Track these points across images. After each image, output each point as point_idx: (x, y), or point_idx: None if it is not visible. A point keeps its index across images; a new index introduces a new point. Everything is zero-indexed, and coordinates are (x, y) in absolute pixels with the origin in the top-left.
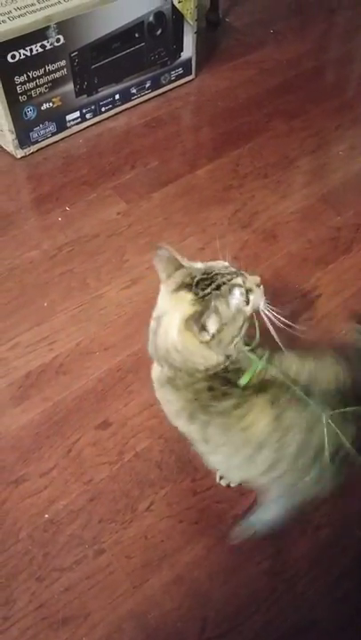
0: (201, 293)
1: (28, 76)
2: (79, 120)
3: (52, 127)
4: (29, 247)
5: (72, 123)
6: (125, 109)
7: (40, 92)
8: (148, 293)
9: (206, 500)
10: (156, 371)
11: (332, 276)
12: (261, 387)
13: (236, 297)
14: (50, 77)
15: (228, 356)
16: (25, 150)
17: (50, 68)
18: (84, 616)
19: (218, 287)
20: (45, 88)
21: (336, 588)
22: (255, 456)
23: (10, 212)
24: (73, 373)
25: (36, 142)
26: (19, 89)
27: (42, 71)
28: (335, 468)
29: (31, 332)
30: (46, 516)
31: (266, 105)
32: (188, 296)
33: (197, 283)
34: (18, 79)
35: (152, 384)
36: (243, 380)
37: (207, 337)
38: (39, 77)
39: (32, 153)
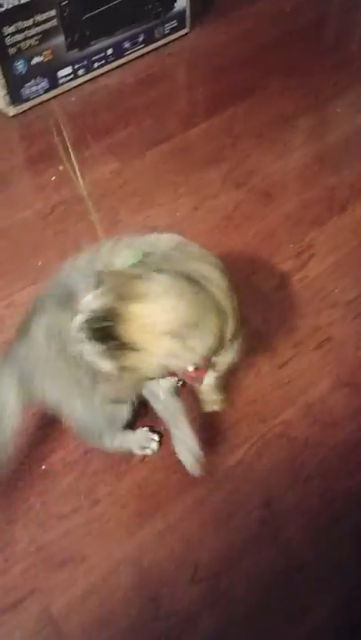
0: None
1: (16, 27)
2: (71, 76)
3: (43, 83)
4: (23, 207)
5: (64, 79)
6: (119, 66)
7: (30, 45)
8: None
9: None
10: None
11: (327, 235)
12: None
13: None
14: (39, 29)
15: None
16: (17, 108)
17: (39, 18)
18: (81, 559)
19: None
20: (35, 40)
21: (325, 536)
22: None
23: (2, 172)
24: None
25: (28, 100)
26: (7, 41)
27: (31, 21)
28: None
29: (26, 291)
30: (43, 467)
31: (262, 61)
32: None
33: None
34: (7, 29)
35: None
36: None
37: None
38: (28, 28)
39: (24, 111)
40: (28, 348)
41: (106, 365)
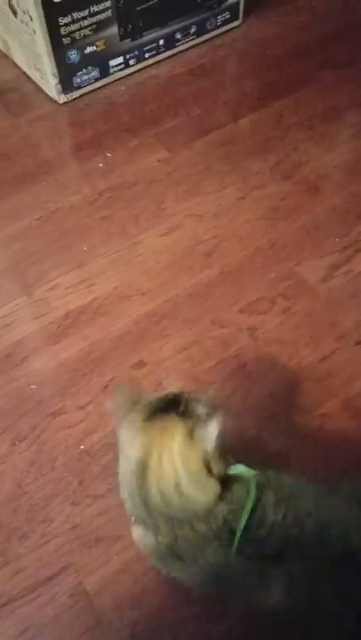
0: (180, 410)
1: (72, 17)
2: (122, 66)
3: (95, 72)
4: (70, 192)
5: (115, 68)
6: (169, 57)
7: (84, 35)
8: (186, 241)
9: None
10: (144, 538)
11: None
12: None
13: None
14: (94, 19)
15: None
16: (67, 96)
17: (95, 8)
18: (116, 537)
19: (187, 404)
20: (90, 30)
21: None
22: None
23: (52, 157)
24: (110, 315)
25: (79, 88)
26: (62, 30)
27: (86, 12)
28: None
29: (71, 275)
30: (82, 447)
31: (316, 53)
32: (171, 417)
33: (165, 406)
34: (62, 20)
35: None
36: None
37: (212, 444)
38: (83, 19)
39: (74, 99)
40: None
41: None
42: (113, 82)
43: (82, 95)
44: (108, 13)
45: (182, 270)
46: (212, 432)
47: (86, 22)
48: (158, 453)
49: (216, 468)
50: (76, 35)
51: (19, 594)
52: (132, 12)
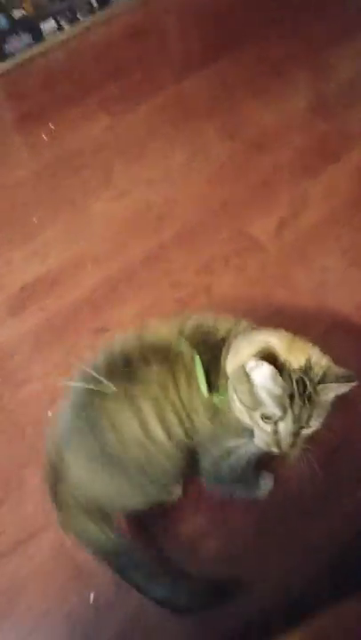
0: None
1: None
2: (56, 29)
3: (27, 38)
4: (16, 166)
5: (48, 32)
6: (106, 19)
7: None
8: (136, 206)
9: None
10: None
11: (321, 185)
12: None
13: None
14: None
15: None
16: (2, 66)
17: None
18: None
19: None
20: None
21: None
22: None
23: None
24: (67, 285)
25: (12, 55)
26: None
27: None
28: None
29: (23, 248)
30: (49, 413)
31: (254, 10)
32: None
33: None
34: None
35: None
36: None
37: None
38: None
39: (10, 70)
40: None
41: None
42: (50, 49)
43: (17, 65)
44: None
45: (135, 235)
46: None
47: None
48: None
49: None
50: None
51: (2, 553)
52: None
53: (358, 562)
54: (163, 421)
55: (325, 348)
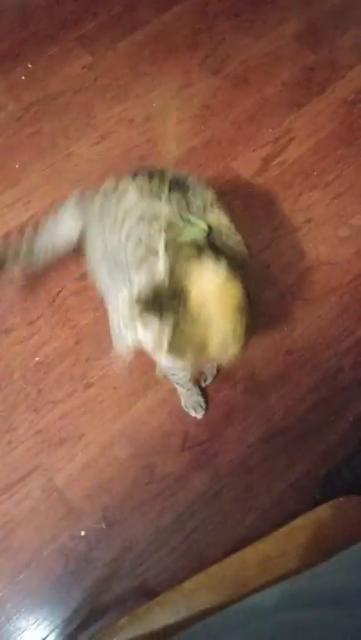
0: None
1: None
2: None
3: None
4: None
5: None
6: None
7: None
8: (119, 148)
9: None
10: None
11: (306, 118)
12: None
13: None
14: None
15: None
16: None
17: None
18: (79, 436)
19: None
20: None
21: (305, 401)
22: None
23: None
24: None
25: None
26: None
27: None
28: None
29: (6, 194)
30: (37, 358)
31: None
32: None
33: None
34: None
35: None
36: None
37: None
38: None
39: None
40: (101, 209)
41: (148, 338)
42: None
43: None
44: None
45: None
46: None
47: None
48: None
49: None
50: None
51: None
52: None
53: None
54: None
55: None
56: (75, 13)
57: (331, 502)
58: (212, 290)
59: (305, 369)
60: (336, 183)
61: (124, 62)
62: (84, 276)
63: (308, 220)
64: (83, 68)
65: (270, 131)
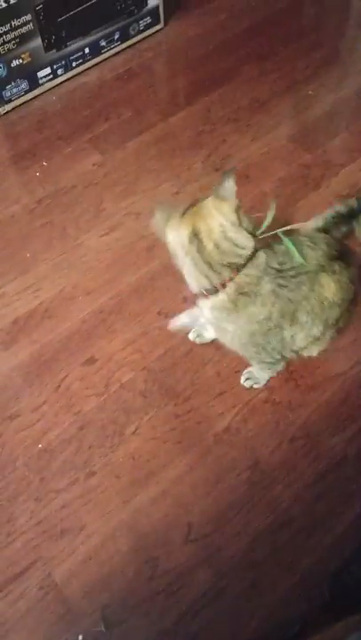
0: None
1: None
2: (51, 76)
3: (24, 85)
4: (10, 202)
5: (44, 79)
6: (97, 64)
7: (8, 49)
8: (127, 239)
9: (188, 422)
10: (220, 299)
11: (303, 211)
12: (317, 268)
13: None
14: (17, 33)
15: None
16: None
17: (16, 23)
18: (80, 528)
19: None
20: (13, 44)
21: (310, 491)
22: (328, 315)
23: None
24: (58, 317)
25: (10, 101)
26: None
27: (8, 26)
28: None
29: (16, 282)
30: (40, 445)
31: (236, 49)
32: (206, 198)
33: (193, 204)
34: None
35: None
36: (298, 259)
37: (234, 195)
38: (6, 33)
39: (7, 112)
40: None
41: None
42: (43, 92)
43: (14, 108)
44: (30, 26)
45: (125, 267)
46: (230, 186)
47: (9, 36)
48: (202, 220)
49: (245, 222)
50: (1, 49)
51: None
52: (53, 24)
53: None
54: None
55: (311, 370)
56: (88, 118)
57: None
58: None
59: (309, 457)
60: None
61: (132, 160)
62: (90, 361)
63: None
64: (93, 165)
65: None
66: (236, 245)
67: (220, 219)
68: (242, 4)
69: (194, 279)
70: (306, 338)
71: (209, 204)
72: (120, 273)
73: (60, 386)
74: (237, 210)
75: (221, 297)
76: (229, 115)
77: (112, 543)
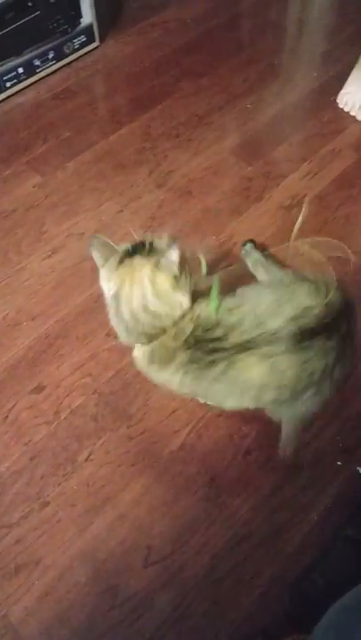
0: (145, 252)
1: None
2: None
3: None
4: None
5: None
6: (32, 83)
7: None
8: (70, 261)
9: (142, 443)
10: (139, 354)
11: (247, 224)
12: (242, 347)
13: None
14: None
15: (189, 298)
16: None
17: None
18: (36, 562)
19: (151, 245)
20: None
21: (268, 503)
22: (261, 395)
23: None
24: (2, 346)
25: None
26: None
27: None
28: (324, 386)
29: None
30: None
31: (173, 66)
32: (138, 258)
33: (134, 250)
34: None
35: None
36: (211, 307)
37: (176, 269)
38: None
39: None
40: None
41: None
42: None
43: None
44: None
45: (71, 289)
46: (173, 255)
47: None
48: (129, 284)
49: (184, 286)
50: None
51: None
52: None
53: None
54: None
55: None
56: (25, 139)
57: None
58: None
59: (265, 469)
60: None
61: (73, 180)
62: (38, 389)
63: None
64: (33, 186)
65: (214, 237)
66: (157, 317)
67: (147, 289)
68: (177, 21)
69: (115, 326)
70: (240, 405)
71: (144, 269)
72: (65, 296)
73: (7, 416)
74: (177, 275)
75: (136, 353)
76: (170, 130)
77: (70, 575)
